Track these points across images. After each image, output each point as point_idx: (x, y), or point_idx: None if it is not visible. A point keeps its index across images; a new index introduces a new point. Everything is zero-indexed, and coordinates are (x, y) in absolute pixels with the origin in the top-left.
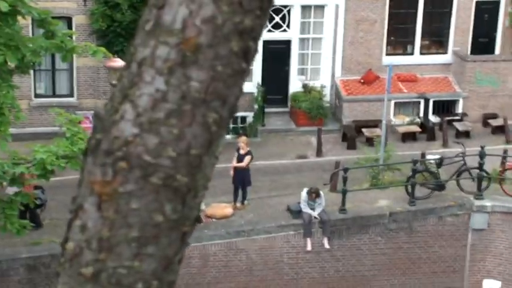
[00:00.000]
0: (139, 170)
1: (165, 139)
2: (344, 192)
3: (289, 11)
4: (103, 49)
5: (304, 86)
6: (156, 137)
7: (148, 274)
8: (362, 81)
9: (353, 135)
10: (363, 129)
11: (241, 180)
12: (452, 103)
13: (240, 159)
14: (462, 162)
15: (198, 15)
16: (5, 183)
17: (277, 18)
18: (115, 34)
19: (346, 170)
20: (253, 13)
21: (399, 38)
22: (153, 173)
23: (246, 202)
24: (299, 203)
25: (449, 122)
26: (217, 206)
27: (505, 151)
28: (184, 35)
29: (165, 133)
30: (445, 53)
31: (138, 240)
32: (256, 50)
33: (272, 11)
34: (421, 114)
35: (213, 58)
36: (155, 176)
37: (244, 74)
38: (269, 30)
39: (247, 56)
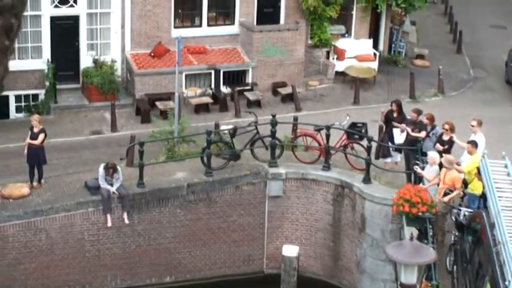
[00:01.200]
0: None
1: None
2: (141, 166)
3: None
4: None
5: (95, 61)
6: None
7: None
8: (152, 54)
9: (146, 108)
10: (156, 103)
11: (36, 158)
12: (242, 73)
13: (34, 137)
14: (255, 131)
15: None
16: None
17: None
18: None
19: (141, 144)
20: None
21: (187, 10)
22: None
23: (42, 181)
24: (97, 179)
25: (240, 92)
26: (14, 186)
27: (295, 118)
28: None
29: None
30: (232, 24)
31: None
32: (19, 27)
33: None
34: (213, 85)
35: None
36: None
37: (7, 51)
38: (56, 6)
39: (9, 33)
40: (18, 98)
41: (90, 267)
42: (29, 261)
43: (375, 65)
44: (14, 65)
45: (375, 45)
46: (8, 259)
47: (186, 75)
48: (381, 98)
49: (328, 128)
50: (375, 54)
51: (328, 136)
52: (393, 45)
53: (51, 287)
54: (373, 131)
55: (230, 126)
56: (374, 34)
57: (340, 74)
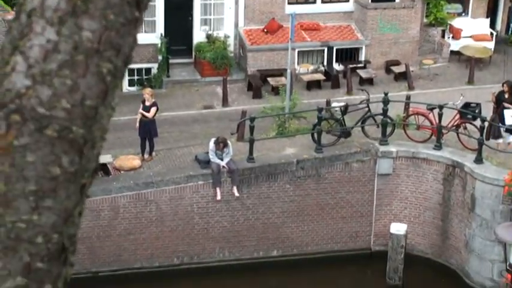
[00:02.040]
0: (33, 122)
1: (58, 91)
2: (251, 141)
3: None
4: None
5: (208, 37)
6: (49, 88)
7: (48, 227)
8: (265, 30)
9: (258, 84)
10: (268, 79)
11: (148, 131)
12: (355, 51)
13: (146, 110)
14: (366, 109)
15: None
16: None
17: None
18: None
19: (252, 119)
20: None
21: None
22: (48, 126)
23: (153, 153)
24: (207, 153)
25: (353, 70)
26: (125, 158)
27: (408, 97)
28: None
29: (58, 84)
30: (347, 1)
31: (36, 193)
32: None
33: None
34: (325, 62)
35: (105, 7)
36: (50, 128)
37: (137, 22)
38: None
39: (139, 4)
40: (131, 72)
41: (199, 239)
42: (139, 232)
43: (491, 45)
44: None
45: (492, 25)
46: (118, 229)
47: (298, 52)
48: (496, 79)
49: (441, 107)
50: (491, 33)
51: (440, 115)
52: (511, 25)
53: (161, 257)
54: (487, 112)
55: (342, 104)
56: (492, 13)
57: (455, 54)
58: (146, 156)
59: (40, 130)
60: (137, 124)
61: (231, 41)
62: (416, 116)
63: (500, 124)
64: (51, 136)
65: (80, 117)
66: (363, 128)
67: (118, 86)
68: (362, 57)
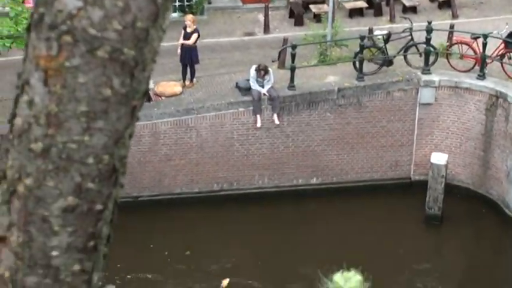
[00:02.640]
0: (84, 43)
1: (109, 12)
2: (292, 69)
3: None
4: None
5: None
6: (100, 9)
7: (99, 149)
8: None
9: (300, 11)
10: (310, 6)
11: (189, 58)
12: None
13: (187, 37)
14: (409, 37)
15: None
16: None
17: None
18: None
19: (294, 46)
20: None
21: None
22: (99, 47)
23: (194, 80)
24: (248, 80)
25: None
26: (166, 84)
27: (452, 26)
28: None
29: (109, 6)
30: None
31: (87, 114)
32: None
33: None
34: None
35: None
36: (101, 49)
37: None
38: None
39: None
40: None
41: (239, 166)
42: (179, 158)
43: None
44: None
45: None
46: (159, 155)
47: None
48: None
49: (485, 36)
50: None
51: (485, 45)
52: None
53: (200, 183)
54: None
55: (384, 32)
56: None
57: None
58: (187, 82)
59: (91, 51)
60: (179, 50)
61: None
62: (459, 45)
63: None
64: (102, 57)
65: (131, 39)
66: (405, 56)
67: (169, 8)
68: None
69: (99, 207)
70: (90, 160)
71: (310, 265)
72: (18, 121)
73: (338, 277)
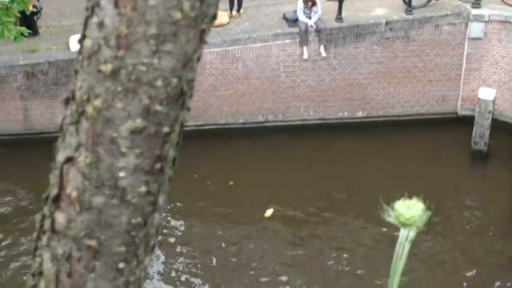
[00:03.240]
0: None
1: None
2: (340, 1)
3: None
4: None
5: None
6: None
7: (168, 71)
8: None
9: None
10: None
11: None
12: None
13: None
14: None
15: None
16: None
17: None
18: None
19: None
20: None
21: None
22: None
23: (241, 10)
24: (295, 11)
25: None
26: None
27: None
28: None
29: None
30: None
31: (157, 37)
32: None
33: None
34: None
35: None
36: None
37: None
38: None
39: None
40: None
41: (284, 98)
42: (224, 88)
43: None
44: None
45: None
46: (205, 85)
47: None
48: None
49: None
50: None
51: None
52: None
53: (245, 114)
54: None
55: None
56: None
57: None
58: (234, 13)
59: None
60: None
61: None
62: None
63: None
64: None
65: None
66: None
67: None
68: None
69: (166, 129)
70: (159, 83)
71: (355, 197)
72: (87, 43)
73: (399, 205)
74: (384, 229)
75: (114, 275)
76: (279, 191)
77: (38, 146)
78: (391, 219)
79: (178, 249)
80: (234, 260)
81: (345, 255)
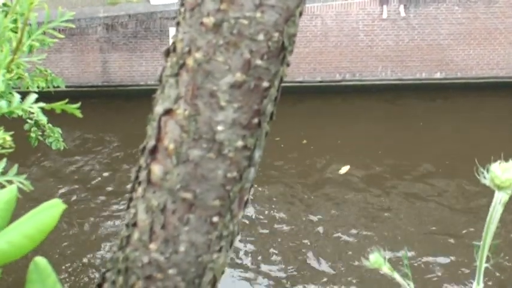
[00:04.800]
0: None
1: None
2: None
3: None
4: None
5: None
6: None
7: (270, 26)
8: None
9: None
10: None
11: None
12: None
13: None
14: None
15: None
16: None
17: None
18: None
19: None
20: None
21: None
22: None
23: None
24: None
25: None
26: None
27: None
28: None
29: None
30: None
31: None
32: None
33: None
34: None
35: None
36: None
37: None
38: None
39: None
40: None
41: (362, 57)
42: (303, 46)
43: None
44: None
45: None
46: None
47: None
48: None
49: None
50: None
51: None
52: None
53: (322, 72)
54: None
55: None
56: None
57: None
58: None
59: None
60: None
61: None
62: None
63: None
64: None
65: None
66: None
67: None
68: None
69: (265, 84)
70: (261, 37)
71: (428, 157)
72: None
73: (496, 167)
74: (457, 185)
75: (207, 228)
76: (355, 150)
77: (115, 99)
78: (486, 181)
79: (251, 204)
80: (310, 215)
81: (427, 208)
